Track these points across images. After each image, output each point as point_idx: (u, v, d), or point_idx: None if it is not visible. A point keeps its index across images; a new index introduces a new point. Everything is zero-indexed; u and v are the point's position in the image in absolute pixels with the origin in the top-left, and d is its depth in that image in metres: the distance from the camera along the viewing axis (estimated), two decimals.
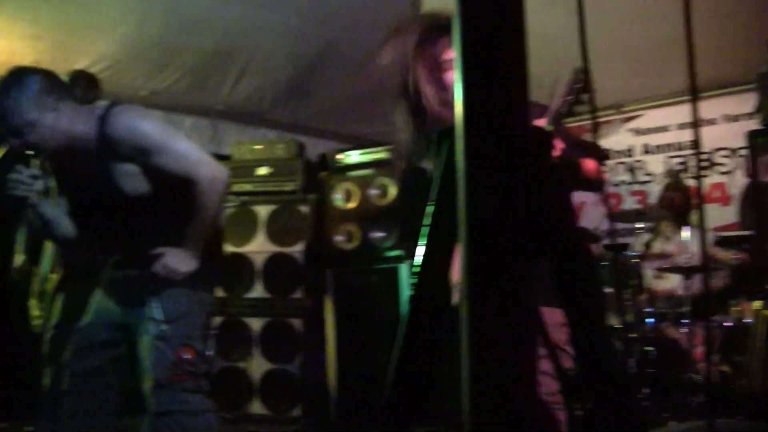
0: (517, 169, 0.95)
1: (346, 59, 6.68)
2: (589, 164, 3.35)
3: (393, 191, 6.17)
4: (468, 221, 0.93)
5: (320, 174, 6.61)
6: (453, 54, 1.05)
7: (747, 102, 6.45)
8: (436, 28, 2.73)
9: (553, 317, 2.03)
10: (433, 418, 2.64)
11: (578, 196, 3.52)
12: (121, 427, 3.44)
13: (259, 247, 6.41)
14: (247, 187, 6.55)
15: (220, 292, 6.08)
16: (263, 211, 6.47)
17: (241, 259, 6.39)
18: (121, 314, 3.35)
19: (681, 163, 7.63)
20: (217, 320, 6.27)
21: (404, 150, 2.78)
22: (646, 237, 6.39)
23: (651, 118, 7.87)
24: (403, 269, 5.89)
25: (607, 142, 7.85)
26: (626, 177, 8.01)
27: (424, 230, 1.49)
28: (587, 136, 4.74)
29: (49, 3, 5.63)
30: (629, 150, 8.04)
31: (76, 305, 3.85)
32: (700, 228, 5.73)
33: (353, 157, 6.49)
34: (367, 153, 6.45)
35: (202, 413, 3.24)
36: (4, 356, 6.04)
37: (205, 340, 3.49)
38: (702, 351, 5.43)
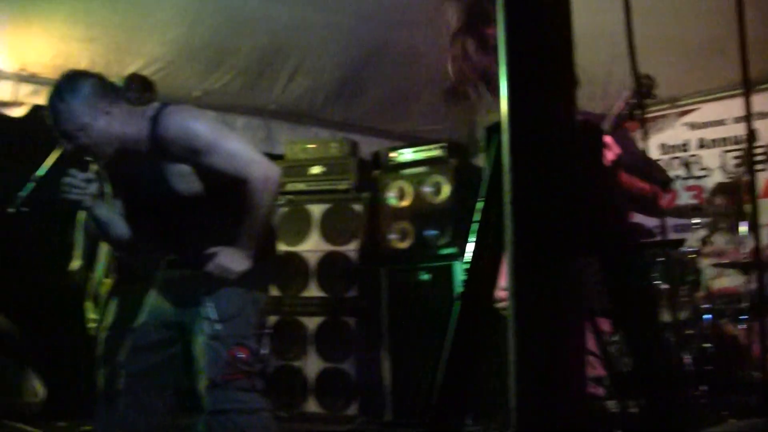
0: (563, 164, 0.92)
1: (397, 56, 6.67)
2: (640, 184, 3.30)
3: (446, 189, 6.15)
4: (513, 217, 0.91)
5: (373, 172, 6.60)
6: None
7: None
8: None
9: (607, 326, 2.00)
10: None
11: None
12: (177, 426, 3.46)
13: (313, 246, 6.42)
14: (301, 187, 6.56)
15: (274, 292, 6.10)
16: (317, 210, 6.48)
17: (296, 259, 6.40)
18: (175, 314, 3.36)
19: (737, 157, 7.48)
20: (272, 319, 6.29)
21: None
22: (702, 232, 6.27)
23: (706, 111, 7.72)
24: (457, 267, 5.87)
25: (662, 137, 7.73)
26: (681, 172, 7.87)
27: (474, 227, 1.46)
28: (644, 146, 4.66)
29: (104, 6, 5.70)
30: (684, 144, 7.90)
31: (130, 307, 3.88)
32: (755, 224, 5.60)
33: (406, 154, 6.47)
34: (420, 150, 6.43)
35: (257, 412, 3.24)
36: (62, 357, 6.15)
37: (259, 339, 3.50)
38: (761, 348, 5.32)
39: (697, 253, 5.95)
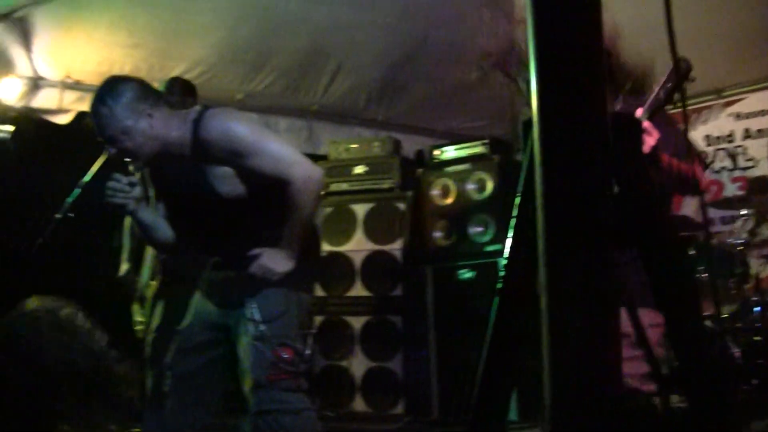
0: (594, 157, 0.90)
1: (438, 54, 6.65)
2: (682, 165, 3.26)
3: (490, 185, 6.13)
4: (545, 211, 0.89)
5: (417, 170, 6.60)
6: None
7: None
8: None
9: (647, 318, 1.97)
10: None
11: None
12: (223, 427, 3.48)
13: (357, 246, 6.43)
14: (344, 186, 6.58)
15: (319, 292, 6.11)
16: (361, 209, 6.48)
17: (340, 258, 6.42)
18: (219, 315, 3.38)
19: None
20: (318, 319, 6.31)
21: None
22: (750, 224, 6.17)
23: (752, 102, 7.60)
24: (502, 264, 5.83)
25: (707, 128, 7.63)
26: (727, 163, 7.76)
27: (513, 222, 1.46)
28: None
29: (146, 11, 5.76)
30: (730, 135, 7.78)
31: (176, 309, 3.91)
32: None
33: (449, 152, 6.47)
34: (463, 148, 6.42)
35: (303, 412, 3.24)
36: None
37: (304, 340, 3.50)
38: None
39: (746, 244, 5.86)
